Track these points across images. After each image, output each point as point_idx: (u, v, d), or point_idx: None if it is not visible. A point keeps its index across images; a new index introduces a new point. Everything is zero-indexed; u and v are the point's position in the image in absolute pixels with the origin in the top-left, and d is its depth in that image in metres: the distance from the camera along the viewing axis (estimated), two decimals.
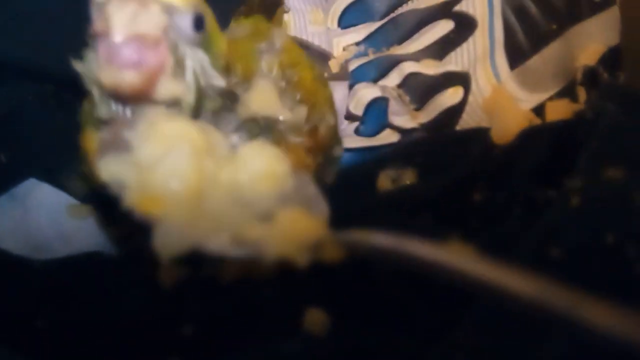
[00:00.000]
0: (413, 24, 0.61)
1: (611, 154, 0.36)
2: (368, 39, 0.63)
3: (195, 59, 0.29)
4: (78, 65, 0.30)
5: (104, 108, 0.29)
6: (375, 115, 0.55)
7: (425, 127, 0.53)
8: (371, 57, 0.61)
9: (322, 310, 0.37)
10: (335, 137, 0.48)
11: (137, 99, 0.27)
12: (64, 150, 0.46)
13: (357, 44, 0.63)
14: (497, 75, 0.54)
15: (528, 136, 0.44)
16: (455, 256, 0.21)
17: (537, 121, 0.49)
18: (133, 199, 0.25)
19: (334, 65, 0.62)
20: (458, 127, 0.53)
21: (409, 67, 0.57)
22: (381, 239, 0.23)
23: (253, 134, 0.36)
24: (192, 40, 0.29)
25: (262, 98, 0.36)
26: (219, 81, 0.31)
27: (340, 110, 0.57)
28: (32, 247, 0.43)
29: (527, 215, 0.41)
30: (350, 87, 0.58)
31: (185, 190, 0.25)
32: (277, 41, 0.41)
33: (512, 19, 0.55)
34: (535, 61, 0.53)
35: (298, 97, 0.40)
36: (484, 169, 0.43)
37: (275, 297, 0.39)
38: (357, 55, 0.62)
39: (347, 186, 0.47)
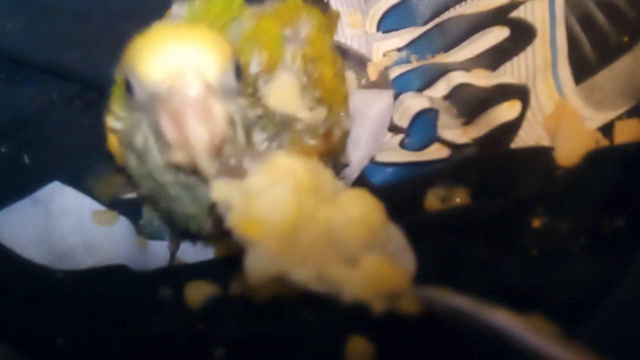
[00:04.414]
0: (462, 30, 0.61)
1: None
2: (411, 44, 0.62)
3: (240, 111, 0.33)
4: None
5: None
6: (423, 127, 0.54)
7: (478, 142, 0.53)
8: (414, 64, 0.61)
9: (366, 339, 0.37)
10: (345, 144, 0.48)
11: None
12: (90, 152, 0.47)
13: (399, 49, 0.62)
14: (560, 89, 0.53)
15: (596, 159, 0.43)
16: (534, 332, 0.22)
17: (604, 142, 0.48)
18: (235, 221, 0.28)
19: (372, 72, 0.62)
20: (514, 145, 0.52)
21: (458, 77, 0.57)
22: (461, 302, 0.25)
23: (268, 131, 0.36)
24: (235, 90, 0.33)
25: (283, 93, 0.38)
26: (257, 112, 0.35)
27: (384, 121, 0.57)
28: (55, 256, 0.44)
29: (593, 245, 0.41)
30: (395, 96, 0.58)
31: (282, 222, 0.28)
32: (302, 30, 0.42)
33: (577, 29, 0.55)
34: (604, 76, 0.52)
35: (317, 95, 0.40)
36: (545, 192, 0.43)
37: (313, 321, 0.39)
38: (399, 62, 0.62)
39: (391, 204, 0.47)
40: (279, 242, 0.28)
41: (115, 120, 0.35)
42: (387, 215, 0.30)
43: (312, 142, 0.40)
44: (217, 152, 0.31)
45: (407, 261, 0.30)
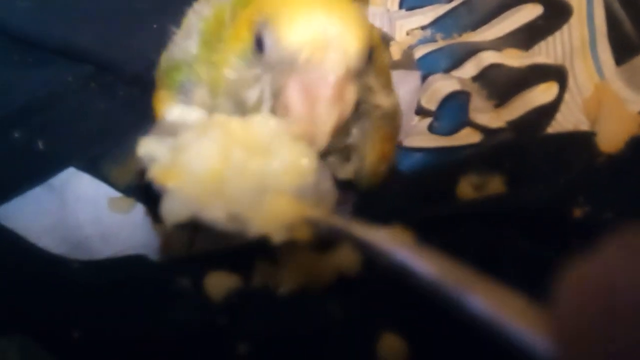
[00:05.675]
0: (491, 8, 0.59)
1: None
2: (436, 22, 0.61)
3: (363, 88, 0.34)
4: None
5: None
6: (453, 110, 0.52)
7: (512, 127, 0.51)
8: (440, 43, 0.59)
9: (400, 336, 0.35)
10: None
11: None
12: (106, 137, 0.46)
13: (423, 28, 0.61)
14: (599, 70, 0.51)
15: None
16: (385, 238, 0.24)
17: None
18: (155, 172, 0.30)
19: (395, 51, 0.60)
20: (550, 130, 0.50)
21: (489, 57, 0.55)
22: (335, 221, 0.28)
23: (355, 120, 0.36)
24: (363, 71, 0.33)
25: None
26: (382, 99, 0.37)
27: (411, 103, 0.55)
28: (71, 245, 0.43)
29: None
30: (423, 78, 0.56)
31: (204, 170, 0.29)
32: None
33: (617, 6, 0.53)
34: None
35: (383, 81, 0.40)
36: (586, 180, 0.41)
37: (343, 316, 0.37)
38: (423, 41, 0.60)
39: (422, 191, 0.46)
40: (200, 190, 0.29)
41: (230, 69, 0.35)
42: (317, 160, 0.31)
43: (389, 129, 0.40)
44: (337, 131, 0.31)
45: (329, 200, 0.32)
